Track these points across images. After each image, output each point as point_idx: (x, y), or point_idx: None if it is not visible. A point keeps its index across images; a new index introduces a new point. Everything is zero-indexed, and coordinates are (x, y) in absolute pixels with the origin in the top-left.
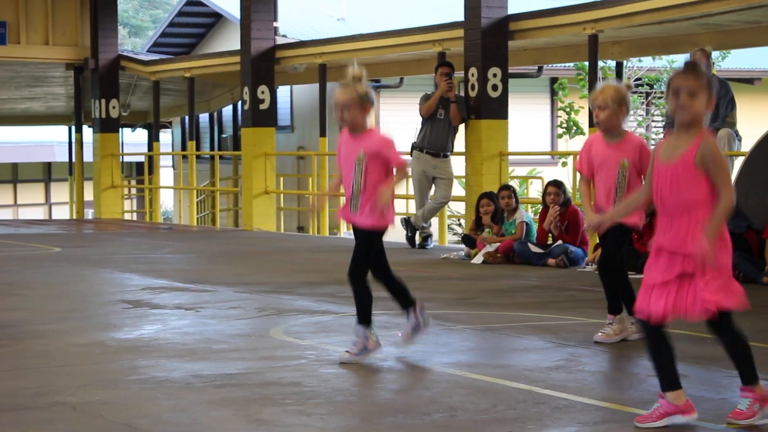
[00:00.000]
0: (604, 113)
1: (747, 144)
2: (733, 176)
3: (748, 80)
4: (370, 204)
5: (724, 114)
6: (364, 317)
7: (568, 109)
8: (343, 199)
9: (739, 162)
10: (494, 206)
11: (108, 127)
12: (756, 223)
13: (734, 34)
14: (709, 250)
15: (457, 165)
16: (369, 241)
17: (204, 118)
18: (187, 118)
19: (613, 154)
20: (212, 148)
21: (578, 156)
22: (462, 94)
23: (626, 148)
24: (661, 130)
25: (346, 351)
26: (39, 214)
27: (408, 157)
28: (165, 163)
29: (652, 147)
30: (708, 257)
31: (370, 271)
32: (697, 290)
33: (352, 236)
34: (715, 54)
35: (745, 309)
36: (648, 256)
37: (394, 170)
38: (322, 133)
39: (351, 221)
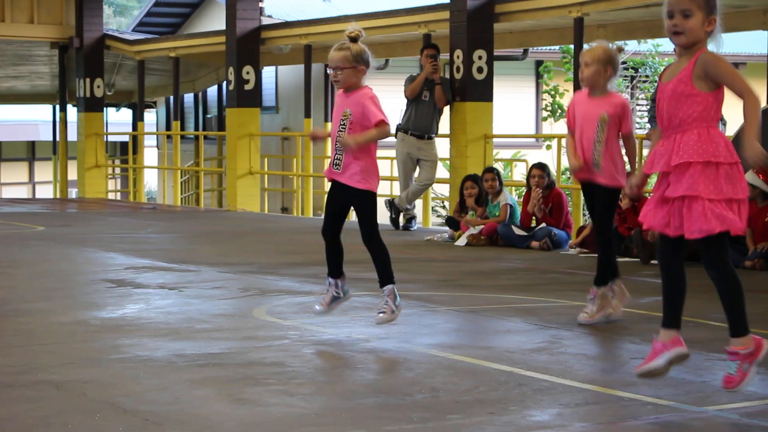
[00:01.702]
0: (589, 69)
1: (732, 129)
2: None
3: (734, 65)
4: (353, 163)
5: None
6: (389, 276)
7: (553, 93)
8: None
9: None
10: (478, 189)
11: (92, 106)
12: None
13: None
14: (754, 154)
15: (442, 147)
16: (369, 204)
17: (189, 98)
18: (172, 98)
19: (594, 107)
20: (197, 129)
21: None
22: (447, 76)
23: (608, 103)
24: (646, 114)
25: (380, 312)
26: (23, 193)
27: (392, 139)
28: (149, 143)
29: (640, 132)
30: (754, 159)
31: (325, 227)
32: (693, 211)
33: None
34: None
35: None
36: (632, 239)
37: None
38: (307, 114)
39: (333, 178)
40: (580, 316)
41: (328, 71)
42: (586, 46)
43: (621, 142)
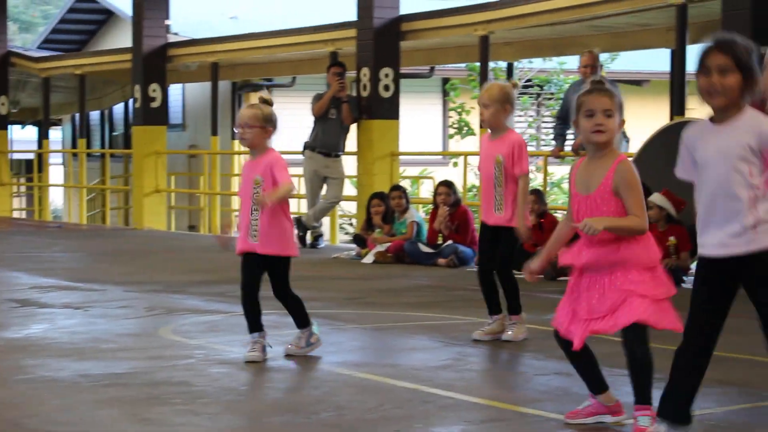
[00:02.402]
0: (489, 111)
1: (635, 145)
2: None
3: (637, 82)
4: (266, 230)
5: None
6: (305, 321)
7: (459, 110)
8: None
9: None
10: (385, 206)
11: None
12: None
13: (624, 36)
14: (595, 227)
15: (349, 165)
16: (287, 268)
17: (95, 115)
18: (77, 115)
19: (492, 149)
20: (103, 146)
21: None
22: (354, 94)
23: (502, 145)
24: (552, 131)
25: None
26: None
27: (301, 157)
28: (55, 160)
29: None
30: (590, 230)
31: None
32: (631, 302)
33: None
34: (604, 56)
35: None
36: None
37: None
38: (214, 132)
39: (251, 250)
40: (506, 334)
41: (235, 130)
42: (491, 64)
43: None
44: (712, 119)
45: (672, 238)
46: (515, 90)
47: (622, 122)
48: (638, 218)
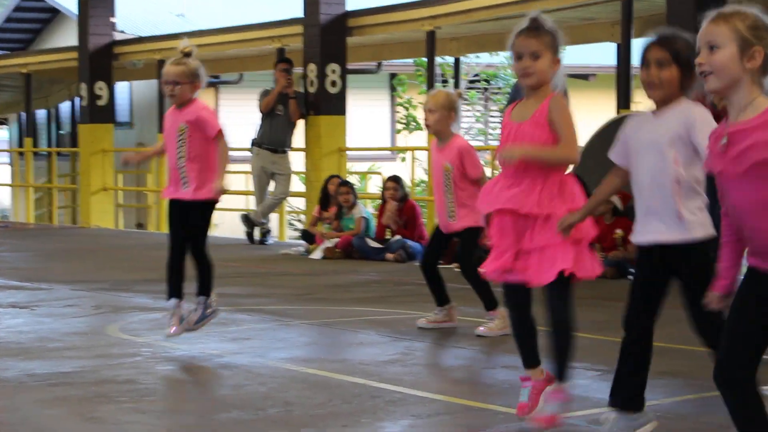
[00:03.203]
0: (434, 116)
1: (582, 139)
2: None
3: (584, 76)
4: (195, 176)
5: None
6: (207, 288)
7: (407, 105)
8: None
9: None
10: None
11: None
12: None
13: (570, 30)
14: (512, 154)
15: (297, 161)
16: (205, 216)
17: (42, 114)
18: (24, 114)
19: (440, 157)
20: (50, 145)
21: None
22: (301, 90)
23: (448, 152)
24: (499, 125)
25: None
26: None
27: (248, 153)
28: (1, 160)
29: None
30: (510, 154)
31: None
32: (551, 254)
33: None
34: None
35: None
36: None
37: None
38: (161, 130)
39: (178, 197)
40: (479, 329)
41: (163, 86)
42: (438, 59)
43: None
44: (653, 111)
45: (619, 231)
46: (460, 99)
47: (556, 60)
48: (566, 147)
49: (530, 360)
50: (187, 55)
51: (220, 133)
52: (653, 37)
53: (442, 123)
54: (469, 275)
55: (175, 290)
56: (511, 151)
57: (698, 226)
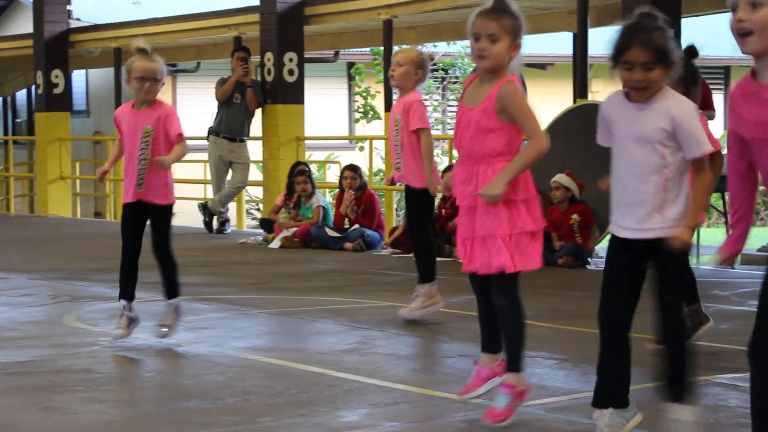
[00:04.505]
0: (400, 69)
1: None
2: None
3: (541, 65)
4: (157, 179)
5: None
6: (176, 289)
7: (365, 94)
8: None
9: None
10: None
11: None
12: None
13: (527, 20)
14: (493, 196)
15: (254, 149)
16: (168, 217)
17: None
18: None
19: (394, 110)
20: (6, 133)
21: None
22: (258, 78)
23: (401, 104)
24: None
25: (163, 327)
26: None
27: (205, 142)
28: None
29: (451, 131)
30: (489, 199)
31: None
32: (491, 246)
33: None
34: None
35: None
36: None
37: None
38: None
39: (138, 198)
40: (402, 311)
41: (133, 82)
42: (396, 48)
43: None
44: (626, 95)
45: (575, 216)
46: (429, 61)
47: (516, 45)
48: (534, 141)
49: (485, 345)
50: (146, 52)
51: (181, 137)
52: (632, 30)
53: (406, 78)
54: (417, 236)
55: (126, 291)
56: (492, 194)
57: (680, 219)
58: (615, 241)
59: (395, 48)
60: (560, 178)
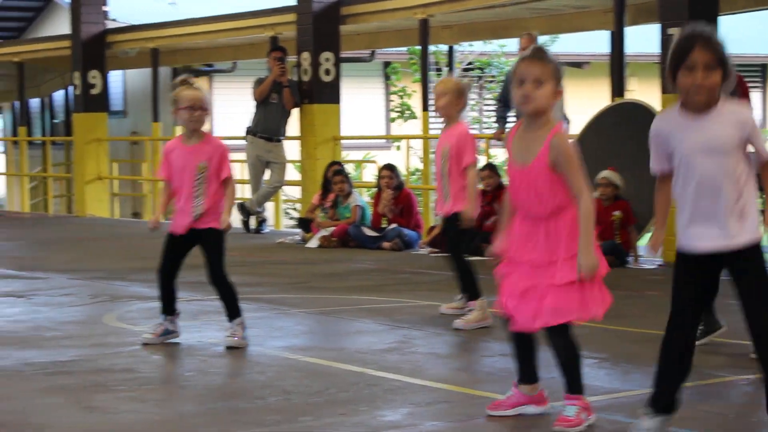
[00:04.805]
0: (443, 100)
1: (577, 127)
2: None
3: (577, 64)
4: (210, 209)
5: None
6: (235, 311)
7: (401, 93)
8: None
9: None
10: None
11: None
12: None
13: (563, 18)
14: (592, 266)
15: (291, 149)
16: (222, 241)
17: (35, 103)
18: (17, 103)
19: (442, 140)
20: (44, 134)
21: None
22: (295, 78)
23: (450, 137)
24: (494, 113)
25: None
26: None
27: (243, 142)
28: None
29: (488, 131)
30: (592, 272)
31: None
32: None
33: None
34: (544, 38)
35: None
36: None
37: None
38: (155, 118)
39: (193, 227)
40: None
41: (184, 112)
42: (431, 48)
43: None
44: (683, 108)
45: (617, 213)
46: (468, 89)
47: (558, 92)
48: (585, 201)
49: (522, 377)
50: (190, 82)
51: (229, 179)
52: (692, 36)
53: (450, 107)
54: (455, 260)
55: (167, 308)
56: (591, 265)
57: (758, 225)
58: (689, 260)
59: (432, 47)
60: (608, 174)
